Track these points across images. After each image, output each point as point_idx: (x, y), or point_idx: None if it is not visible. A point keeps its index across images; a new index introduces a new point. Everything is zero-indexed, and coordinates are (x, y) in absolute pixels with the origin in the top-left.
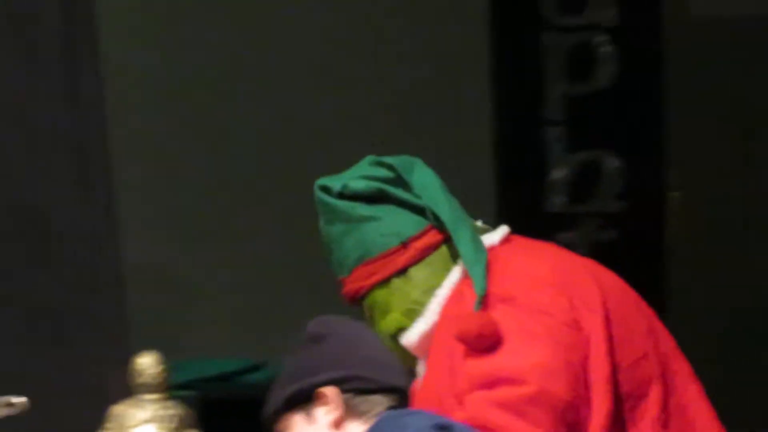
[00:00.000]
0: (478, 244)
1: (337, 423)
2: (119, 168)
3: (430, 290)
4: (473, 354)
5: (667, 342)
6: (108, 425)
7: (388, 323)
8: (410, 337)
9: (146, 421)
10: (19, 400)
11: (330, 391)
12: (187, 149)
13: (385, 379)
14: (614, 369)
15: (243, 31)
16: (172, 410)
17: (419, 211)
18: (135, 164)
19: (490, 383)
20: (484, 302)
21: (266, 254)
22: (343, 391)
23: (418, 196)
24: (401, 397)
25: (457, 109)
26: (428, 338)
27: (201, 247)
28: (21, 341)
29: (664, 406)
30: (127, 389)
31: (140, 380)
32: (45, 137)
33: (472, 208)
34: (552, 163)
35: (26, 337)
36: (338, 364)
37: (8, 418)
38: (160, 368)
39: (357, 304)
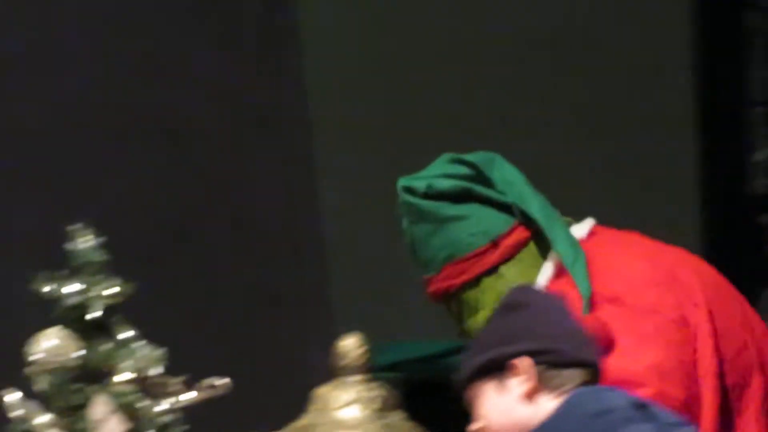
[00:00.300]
0: (574, 241)
1: (529, 395)
2: (321, 148)
3: None
4: None
5: (761, 328)
6: (313, 407)
7: (478, 321)
8: None
9: (350, 403)
10: (222, 381)
11: (524, 363)
12: (388, 127)
13: (580, 354)
14: (720, 362)
15: (442, 9)
16: (376, 391)
17: (505, 208)
18: (337, 143)
19: (610, 385)
20: (591, 304)
21: None
22: (538, 363)
23: (503, 193)
24: (593, 372)
25: (660, 90)
26: None
27: None
28: (227, 325)
29: (766, 394)
30: (331, 371)
31: (344, 362)
32: (249, 117)
33: (673, 188)
34: (755, 144)
35: (232, 321)
36: (535, 335)
37: (211, 400)
38: (363, 350)
39: (442, 302)
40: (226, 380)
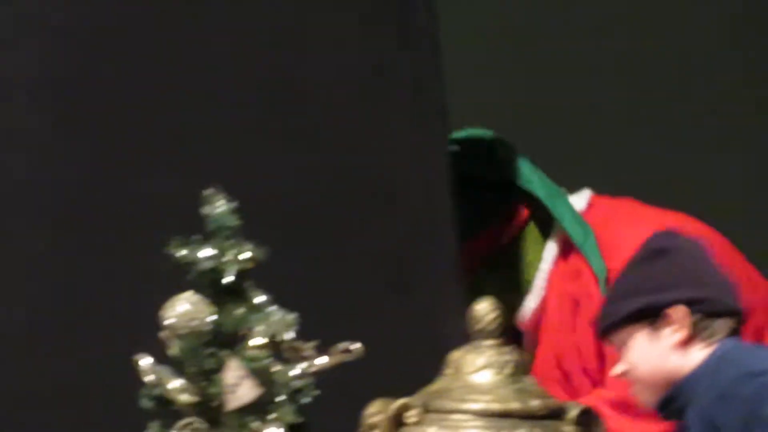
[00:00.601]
0: (579, 218)
1: (682, 344)
2: (455, 112)
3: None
4: None
5: (765, 289)
6: (447, 371)
7: None
8: (523, 315)
9: (483, 367)
10: (356, 346)
11: (680, 311)
12: (520, 86)
13: (731, 302)
14: None
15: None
16: (508, 356)
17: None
18: (471, 107)
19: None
20: (607, 280)
21: None
22: (693, 312)
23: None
24: (739, 321)
25: None
26: (538, 313)
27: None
28: (362, 289)
29: None
30: (464, 336)
31: (478, 327)
32: (380, 81)
33: None
34: None
35: (367, 285)
36: (690, 283)
37: (344, 365)
38: (496, 314)
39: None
40: (359, 345)
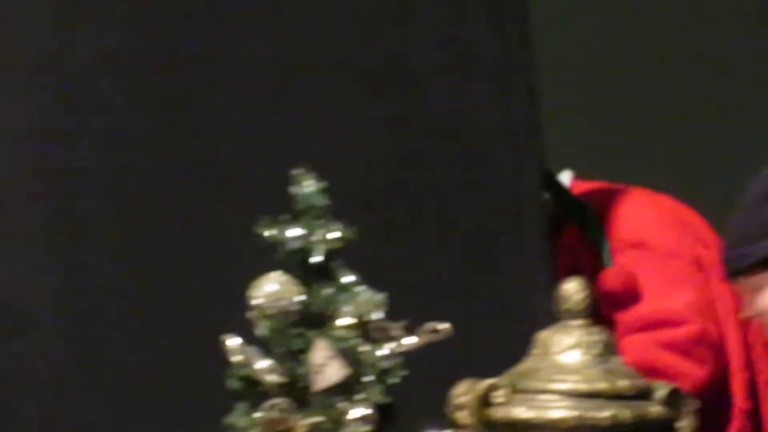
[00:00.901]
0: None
1: None
2: (545, 91)
3: None
4: (620, 304)
5: None
6: (534, 351)
7: None
8: None
9: (571, 347)
10: (444, 326)
11: None
12: (611, 78)
13: None
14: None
15: None
16: (596, 336)
17: None
18: (561, 89)
19: (650, 326)
20: (614, 250)
21: None
22: None
23: None
24: None
25: None
26: None
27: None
28: (450, 268)
29: None
30: (552, 315)
31: (566, 306)
32: (476, 67)
33: None
34: None
35: (455, 264)
36: None
37: (432, 345)
38: (584, 294)
39: None
40: (447, 325)
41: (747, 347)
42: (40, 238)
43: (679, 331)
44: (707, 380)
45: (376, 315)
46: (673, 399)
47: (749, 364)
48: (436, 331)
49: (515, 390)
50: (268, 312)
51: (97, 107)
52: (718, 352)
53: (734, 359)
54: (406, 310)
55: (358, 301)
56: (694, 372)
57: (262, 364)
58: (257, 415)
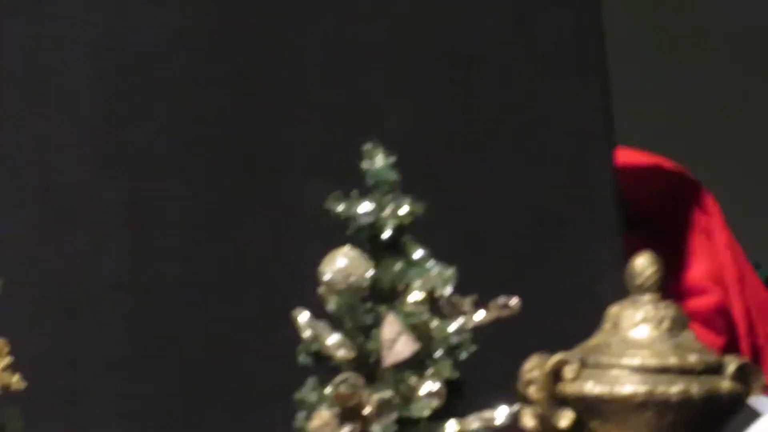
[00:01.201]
0: None
1: None
2: (616, 70)
3: None
4: None
5: None
6: (605, 326)
7: None
8: None
9: (641, 322)
10: (514, 301)
11: None
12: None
13: None
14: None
15: None
16: (666, 311)
17: None
18: (630, 67)
19: (674, 297)
20: None
21: None
22: None
23: None
24: None
25: None
26: None
27: (703, 154)
28: (520, 243)
29: None
30: (623, 290)
31: (636, 281)
32: (542, 49)
33: None
34: None
35: (526, 240)
36: None
37: (502, 320)
38: (654, 269)
39: None
40: (517, 300)
41: (748, 312)
42: (109, 217)
43: (701, 301)
44: (724, 349)
45: (446, 290)
46: (743, 373)
47: (752, 329)
48: (506, 306)
49: (585, 365)
50: (338, 287)
51: (164, 85)
52: (730, 320)
53: (740, 326)
54: (476, 286)
55: (428, 277)
56: (714, 342)
57: (332, 339)
58: (327, 390)
